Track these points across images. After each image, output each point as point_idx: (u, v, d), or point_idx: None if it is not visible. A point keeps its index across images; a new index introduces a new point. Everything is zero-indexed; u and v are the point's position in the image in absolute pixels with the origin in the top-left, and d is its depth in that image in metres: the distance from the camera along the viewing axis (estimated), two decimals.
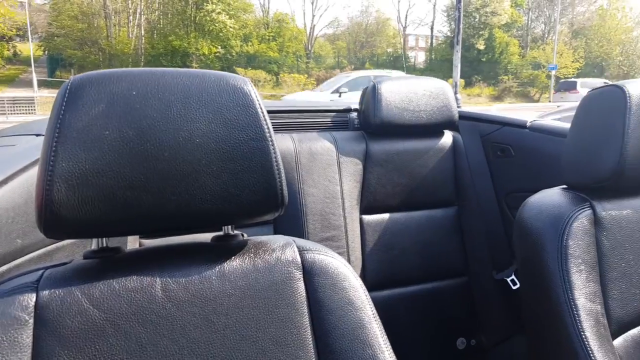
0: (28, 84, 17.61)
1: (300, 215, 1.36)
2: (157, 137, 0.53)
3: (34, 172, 0.83)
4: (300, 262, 0.62)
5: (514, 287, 1.48)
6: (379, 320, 0.63)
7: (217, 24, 22.60)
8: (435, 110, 1.51)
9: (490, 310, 1.55)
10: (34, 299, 0.53)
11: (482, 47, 26.55)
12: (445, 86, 1.56)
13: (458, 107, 1.68)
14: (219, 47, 23.18)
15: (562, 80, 21.80)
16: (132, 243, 1.16)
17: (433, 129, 1.56)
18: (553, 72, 21.97)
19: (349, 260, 1.37)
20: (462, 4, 9.20)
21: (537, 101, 23.68)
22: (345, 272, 0.63)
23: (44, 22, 22.99)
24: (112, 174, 0.52)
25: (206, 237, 0.67)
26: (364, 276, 1.43)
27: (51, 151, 0.51)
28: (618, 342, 0.81)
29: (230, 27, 22.93)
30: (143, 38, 23.04)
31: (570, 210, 0.87)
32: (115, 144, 0.53)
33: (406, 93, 1.49)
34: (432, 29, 30.71)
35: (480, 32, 26.59)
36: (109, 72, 0.55)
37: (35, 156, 0.87)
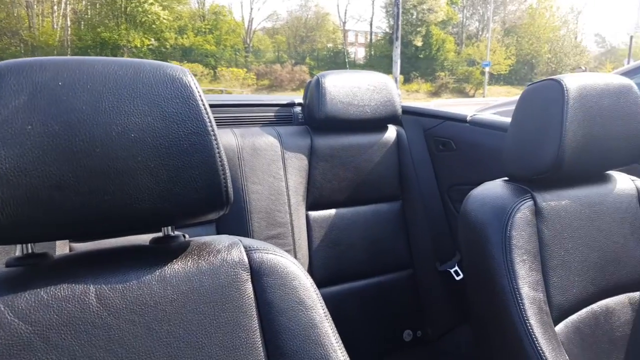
0: None
1: (244, 214, 1.32)
2: (87, 132, 0.49)
3: None
4: (247, 262, 0.60)
5: (457, 278, 1.51)
6: (331, 318, 0.61)
7: (149, 15, 21.81)
8: (379, 104, 1.52)
9: (435, 301, 1.59)
10: None
11: (419, 44, 27.34)
12: (388, 81, 1.57)
13: None
14: (152, 39, 22.40)
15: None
16: (62, 248, 1.08)
17: (377, 124, 1.56)
18: (487, 69, 22.99)
19: (295, 258, 1.35)
20: (400, 0, 9.39)
21: (473, 96, 24.72)
22: (295, 271, 0.62)
23: None
24: (37, 173, 0.47)
25: (143, 239, 0.63)
26: (311, 273, 1.41)
27: None
28: (559, 328, 0.84)
29: (164, 18, 22.20)
30: (69, 29, 21.81)
31: (513, 202, 0.89)
32: (40, 139, 0.47)
33: (350, 87, 1.48)
34: (371, 24, 31.25)
35: (418, 29, 27.37)
36: (31, 61, 0.50)
37: None
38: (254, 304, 0.58)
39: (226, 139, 1.36)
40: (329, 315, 0.62)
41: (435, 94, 25.51)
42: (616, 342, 0.91)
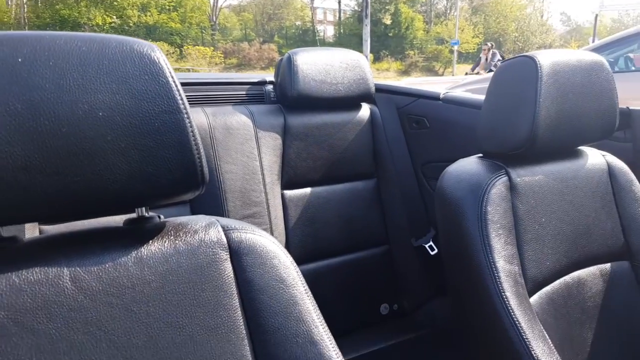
0: None
1: (218, 194, 1.30)
2: (51, 111, 0.46)
3: None
4: (226, 242, 0.59)
5: (432, 253, 1.54)
6: (311, 295, 0.61)
7: None
8: (352, 82, 1.50)
9: (410, 275, 1.61)
10: None
11: (389, 22, 27.28)
12: (361, 58, 1.55)
13: None
14: (114, 17, 21.61)
15: None
16: (31, 230, 1.05)
17: (351, 102, 1.55)
18: (455, 47, 23.15)
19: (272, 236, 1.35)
20: None
21: (442, 75, 24.92)
22: (275, 250, 0.61)
23: None
24: (1, 154, 0.45)
25: (116, 220, 0.61)
26: (288, 251, 1.41)
27: None
28: (534, 299, 0.87)
29: None
30: (25, 6, 20.81)
31: (488, 178, 0.90)
32: (2, 119, 0.45)
33: (323, 65, 1.46)
34: (339, 2, 30.94)
35: (387, 7, 27.28)
36: None
37: None
38: (234, 283, 0.57)
39: (197, 118, 1.33)
40: (310, 292, 0.62)
41: (405, 72, 25.60)
42: (588, 311, 0.95)
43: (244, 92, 1.56)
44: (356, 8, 28.82)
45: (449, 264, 0.94)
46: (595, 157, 1.03)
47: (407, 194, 1.63)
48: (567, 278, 0.94)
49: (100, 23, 21.02)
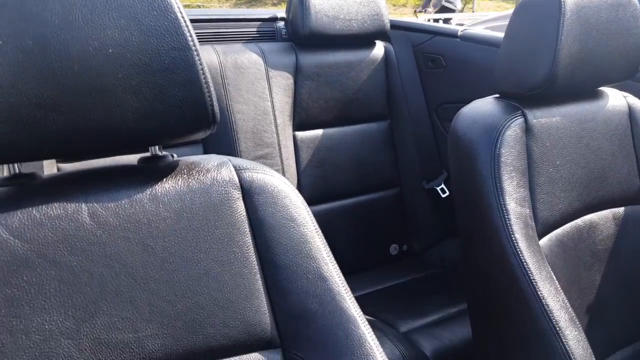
0: None
1: (230, 134, 1.30)
2: (62, 48, 0.46)
3: None
4: (237, 181, 0.60)
5: (443, 196, 1.54)
6: (322, 234, 0.63)
7: None
8: (366, 18, 1.45)
9: (421, 218, 1.63)
10: None
11: None
12: None
13: None
14: None
15: None
16: (49, 168, 1.07)
17: (364, 40, 1.50)
18: None
19: None
20: None
21: (461, 11, 23.90)
22: (286, 190, 0.62)
23: None
24: (14, 92, 0.45)
25: (131, 159, 0.62)
26: (299, 193, 1.42)
27: None
28: (543, 241, 0.87)
29: None
30: None
31: (503, 120, 0.88)
32: (13, 55, 0.45)
33: (336, 0, 1.41)
34: None
35: None
36: None
37: None
38: (246, 221, 0.59)
39: (207, 56, 1.30)
40: (320, 231, 0.63)
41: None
42: (598, 254, 0.95)
43: (255, 29, 1.52)
44: None
45: (459, 206, 0.94)
46: (616, 99, 1.00)
47: (420, 136, 1.61)
48: (579, 221, 0.94)
49: None
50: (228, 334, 0.55)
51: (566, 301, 0.82)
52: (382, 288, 1.44)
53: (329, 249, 0.62)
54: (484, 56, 1.43)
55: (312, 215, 0.63)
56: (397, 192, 1.61)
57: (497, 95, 0.98)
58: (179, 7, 0.51)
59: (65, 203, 0.52)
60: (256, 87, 1.36)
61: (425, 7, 9.10)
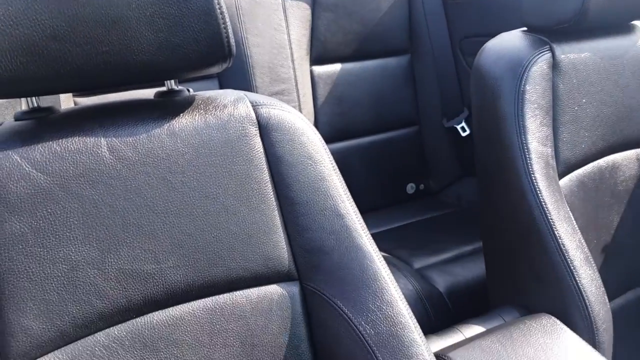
0: None
1: (246, 68, 1.27)
2: None
3: None
4: (254, 117, 0.59)
5: (463, 134, 1.52)
6: (339, 172, 0.63)
7: None
8: None
9: (439, 157, 1.61)
10: None
11: None
12: None
13: None
14: None
15: None
16: (66, 102, 1.07)
17: None
18: None
19: None
20: None
21: None
22: (303, 127, 0.61)
23: None
24: (29, 23, 0.45)
25: (147, 94, 0.62)
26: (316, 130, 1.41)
27: None
28: (563, 182, 0.86)
29: None
30: None
31: (530, 55, 0.84)
32: None
33: None
34: None
35: None
36: None
37: None
38: (263, 158, 0.59)
39: None
40: (337, 169, 0.63)
41: None
42: (618, 195, 0.94)
43: None
44: None
45: (480, 144, 0.93)
46: None
47: (442, 72, 1.56)
48: (601, 161, 0.92)
49: None
50: (248, 266, 0.57)
51: (582, 241, 0.82)
52: (397, 226, 1.45)
53: (346, 187, 0.62)
54: None
55: (329, 153, 0.63)
56: (415, 131, 1.58)
57: (525, 29, 0.94)
58: None
59: (84, 137, 0.52)
60: (272, 19, 1.31)
61: None
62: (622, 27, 0.94)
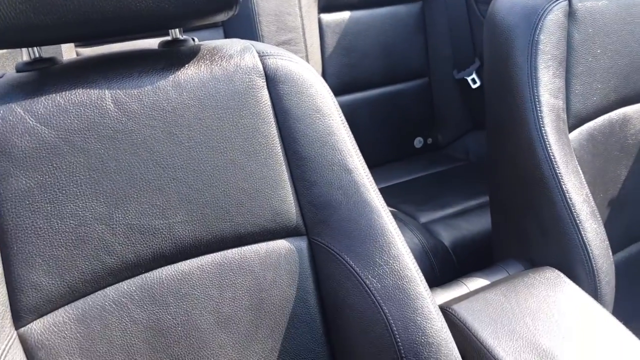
0: None
1: (252, 16, 1.23)
2: None
3: None
4: (262, 68, 0.58)
5: (473, 86, 1.48)
6: (347, 125, 0.62)
7: None
8: None
9: (448, 110, 1.58)
10: None
11: None
12: None
13: None
14: None
15: None
16: (68, 53, 1.05)
17: None
18: None
19: None
20: None
21: None
22: (311, 79, 0.60)
23: None
24: None
25: (151, 44, 0.60)
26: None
27: None
28: (573, 135, 0.85)
29: None
30: None
31: (546, 2, 0.81)
32: None
33: None
34: None
35: None
36: None
37: None
38: (271, 111, 0.58)
39: None
40: (346, 123, 0.62)
41: None
42: (627, 149, 0.93)
43: None
44: None
45: (490, 95, 0.91)
46: None
47: (454, 21, 1.50)
48: (612, 114, 0.90)
49: None
50: (256, 221, 0.57)
51: (589, 195, 0.81)
52: (404, 181, 1.45)
53: (354, 141, 0.61)
54: None
55: (338, 105, 0.61)
56: (425, 83, 1.55)
57: None
58: None
59: (88, 89, 0.51)
60: None
61: None
62: None
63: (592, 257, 0.78)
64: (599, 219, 0.81)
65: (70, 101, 0.50)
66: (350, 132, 0.61)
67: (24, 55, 0.53)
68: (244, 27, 1.24)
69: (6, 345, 0.45)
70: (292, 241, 0.59)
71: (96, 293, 0.51)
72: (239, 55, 0.58)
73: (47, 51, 0.54)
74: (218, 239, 0.56)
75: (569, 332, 0.65)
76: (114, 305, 0.51)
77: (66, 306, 0.50)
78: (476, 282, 0.81)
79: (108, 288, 0.52)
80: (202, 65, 0.56)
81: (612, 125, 0.90)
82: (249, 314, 0.57)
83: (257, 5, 1.23)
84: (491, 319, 0.67)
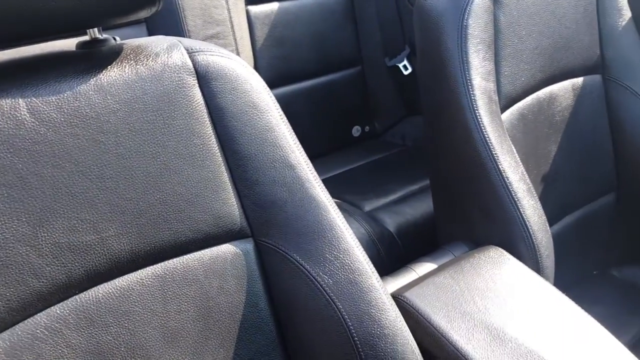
0: None
1: (176, 11, 1.18)
2: None
3: None
4: (191, 66, 0.55)
5: (405, 73, 1.51)
6: (286, 120, 0.60)
7: None
8: None
9: (382, 96, 1.60)
10: None
11: None
12: None
13: None
14: None
15: None
16: None
17: None
18: None
19: None
20: None
21: None
22: (246, 74, 0.58)
23: None
24: None
25: (67, 44, 0.55)
26: None
27: None
28: (505, 115, 0.87)
29: None
30: None
31: None
32: None
33: None
34: None
35: None
36: None
37: None
38: (205, 110, 0.55)
39: None
40: (284, 117, 0.60)
41: None
42: (555, 125, 0.97)
43: None
44: None
45: (423, 81, 0.92)
46: None
47: (383, 9, 1.52)
48: (540, 93, 0.94)
49: None
50: (197, 227, 0.54)
51: (525, 173, 0.84)
52: (345, 170, 1.45)
53: (295, 136, 0.60)
54: None
55: (275, 100, 0.59)
56: (358, 71, 1.55)
57: None
58: None
59: None
60: None
61: None
62: None
63: (531, 233, 0.81)
64: (535, 195, 0.84)
65: None
66: (290, 127, 0.60)
67: None
68: (168, 22, 1.18)
69: None
70: (237, 245, 0.57)
71: (25, 321, 0.46)
72: (166, 52, 0.54)
73: None
74: (157, 249, 0.52)
75: (516, 307, 0.67)
76: (46, 333, 0.47)
77: None
78: (424, 267, 0.82)
79: (38, 314, 0.47)
80: (127, 66, 0.52)
81: (541, 103, 0.94)
82: (197, 325, 0.54)
83: None
84: (442, 302, 0.68)
